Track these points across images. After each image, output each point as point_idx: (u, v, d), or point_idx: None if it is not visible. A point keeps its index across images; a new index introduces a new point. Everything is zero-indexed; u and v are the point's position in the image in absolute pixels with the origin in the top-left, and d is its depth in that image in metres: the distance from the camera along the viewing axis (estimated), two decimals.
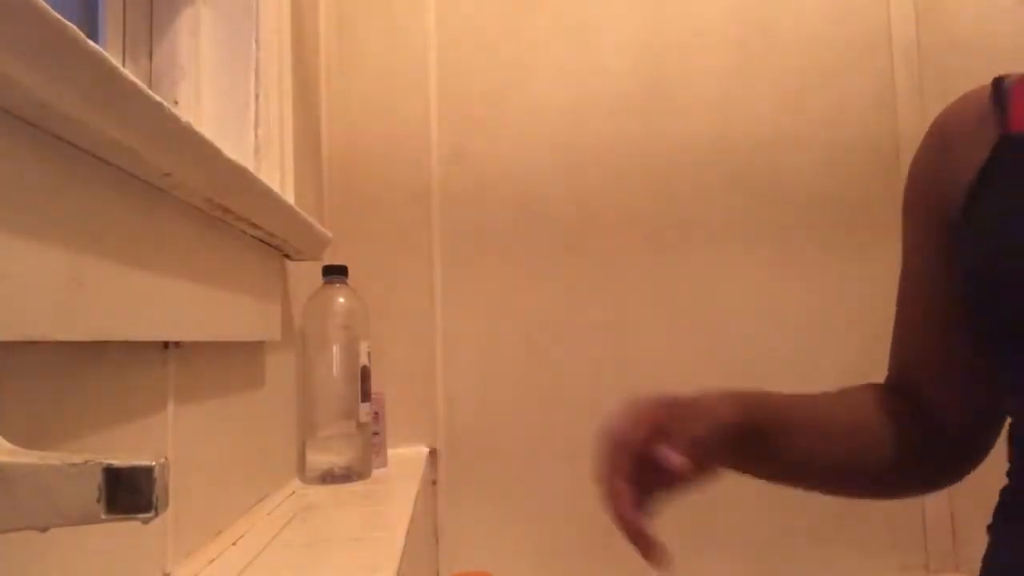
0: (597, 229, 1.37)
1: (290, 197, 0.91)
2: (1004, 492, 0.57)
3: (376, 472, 1.05)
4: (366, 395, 1.03)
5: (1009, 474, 0.56)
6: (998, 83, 0.59)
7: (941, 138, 0.61)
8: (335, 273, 1.06)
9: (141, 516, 0.28)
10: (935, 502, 1.32)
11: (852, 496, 0.66)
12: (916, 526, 1.33)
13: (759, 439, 0.57)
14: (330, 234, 1.02)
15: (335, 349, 1.01)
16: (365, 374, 1.03)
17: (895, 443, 0.60)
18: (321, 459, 1.00)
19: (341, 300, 1.04)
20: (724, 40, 1.41)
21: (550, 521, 1.32)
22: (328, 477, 0.99)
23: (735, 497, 1.33)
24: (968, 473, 0.62)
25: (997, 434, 0.60)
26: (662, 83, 1.40)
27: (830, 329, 1.33)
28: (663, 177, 1.38)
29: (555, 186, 1.37)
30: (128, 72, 0.41)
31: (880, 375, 0.68)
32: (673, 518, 1.49)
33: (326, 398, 1.02)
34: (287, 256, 0.96)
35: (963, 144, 0.57)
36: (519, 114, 1.38)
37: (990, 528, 0.58)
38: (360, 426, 1.01)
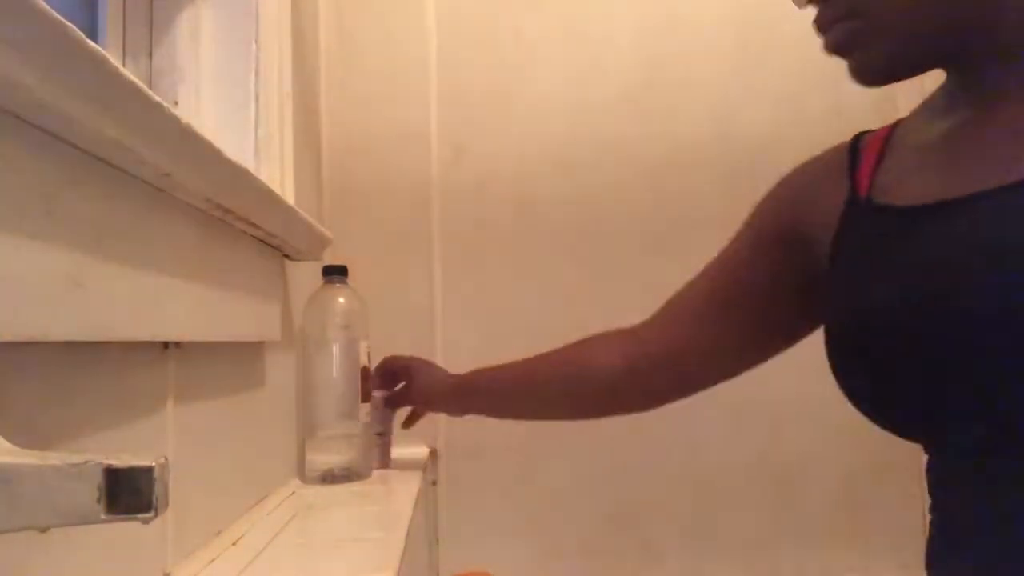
0: (597, 229, 1.37)
1: (290, 197, 0.91)
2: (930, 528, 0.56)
3: (376, 472, 1.05)
4: (366, 395, 1.03)
5: (931, 509, 0.55)
6: (856, 140, 0.62)
7: (798, 186, 0.66)
8: (335, 273, 1.06)
9: (141, 516, 0.28)
10: None
11: (568, 417, 0.97)
12: (916, 526, 1.32)
13: (480, 390, 0.91)
14: (330, 234, 1.02)
15: (335, 349, 1.01)
16: (365, 374, 1.03)
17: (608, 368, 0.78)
18: (321, 459, 1.00)
19: (341, 300, 1.04)
20: (724, 40, 1.41)
21: (550, 521, 1.32)
22: (328, 477, 0.98)
23: (735, 497, 1.34)
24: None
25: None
26: (662, 82, 1.39)
27: None
28: (663, 177, 1.38)
29: (555, 186, 1.37)
30: (128, 72, 0.41)
31: None
32: (674, 518, 1.49)
33: (326, 398, 1.01)
34: (287, 256, 0.96)
35: (819, 200, 0.61)
36: (519, 114, 1.38)
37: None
38: (361, 426, 1.01)
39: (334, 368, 1.01)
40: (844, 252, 0.57)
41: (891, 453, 1.38)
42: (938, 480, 0.54)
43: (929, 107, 0.58)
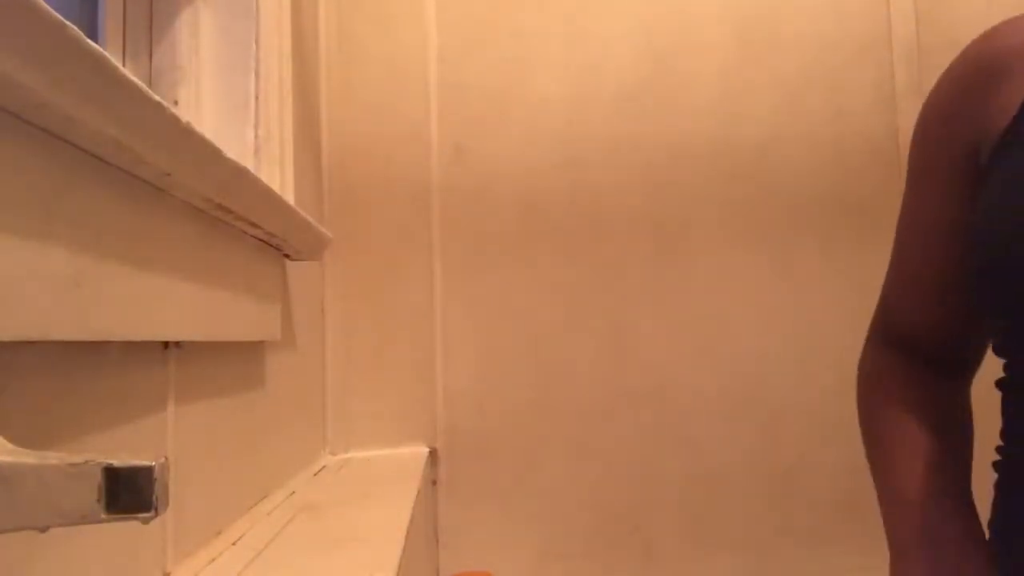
0: (597, 228, 1.37)
1: (290, 197, 0.91)
2: (998, 451, 0.54)
3: (375, 472, 1.05)
4: None
5: (1002, 433, 0.54)
6: None
7: (987, 69, 0.52)
8: None
9: (141, 516, 0.28)
10: None
11: None
12: None
13: None
14: (330, 234, 1.02)
15: None
16: None
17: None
18: None
19: None
20: (724, 39, 1.41)
21: (550, 521, 1.32)
22: None
23: (735, 497, 1.33)
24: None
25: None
26: (663, 82, 1.39)
27: (830, 328, 1.33)
28: (663, 176, 1.38)
29: (555, 185, 1.37)
30: (128, 72, 0.41)
31: None
32: (674, 518, 1.49)
33: None
34: (287, 256, 0.96)
35: (989, 101, 0.50)
36: (519, 113, 1.38)
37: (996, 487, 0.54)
38: None
39: None
40: (1013, 148, 0.48)
41: None
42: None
43: None
